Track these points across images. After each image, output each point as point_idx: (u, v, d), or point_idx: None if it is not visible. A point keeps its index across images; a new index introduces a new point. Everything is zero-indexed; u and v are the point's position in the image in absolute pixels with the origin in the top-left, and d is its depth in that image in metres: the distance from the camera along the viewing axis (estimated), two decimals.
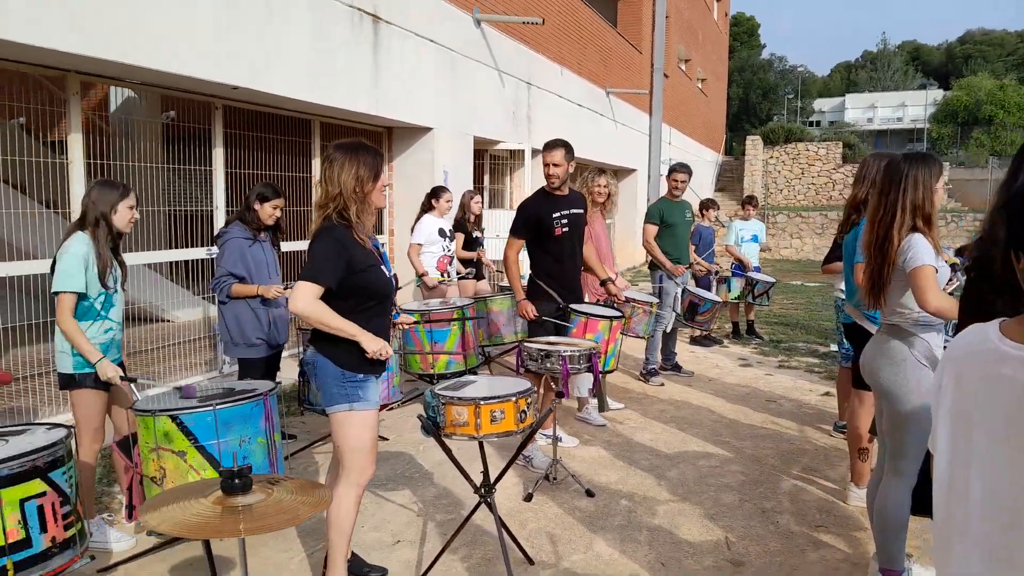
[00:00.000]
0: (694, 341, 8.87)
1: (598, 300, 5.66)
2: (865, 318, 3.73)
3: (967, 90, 46.62)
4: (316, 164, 7.93)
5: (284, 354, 5.21)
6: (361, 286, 2.98)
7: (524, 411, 3.18)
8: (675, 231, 6.94)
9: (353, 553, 3.35)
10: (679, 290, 6.91)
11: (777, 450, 5.14)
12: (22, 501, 2.50)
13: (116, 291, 3.65)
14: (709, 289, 8.31)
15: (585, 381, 5.61)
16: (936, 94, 54.01)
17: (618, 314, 5.00)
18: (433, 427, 3.18)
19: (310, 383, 4.89)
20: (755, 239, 9.32)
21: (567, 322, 4.80)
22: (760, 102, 51.35)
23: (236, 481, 1.67)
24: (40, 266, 5.43)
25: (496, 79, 10.29)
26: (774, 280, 9.10)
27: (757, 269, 9.17)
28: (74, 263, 3.42)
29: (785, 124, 30.33)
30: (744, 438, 5.40)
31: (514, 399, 3.12)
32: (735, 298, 8.79)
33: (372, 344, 2.93)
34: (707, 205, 9.09)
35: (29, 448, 2.55)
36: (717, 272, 8.56)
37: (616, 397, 6.34)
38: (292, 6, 6.35)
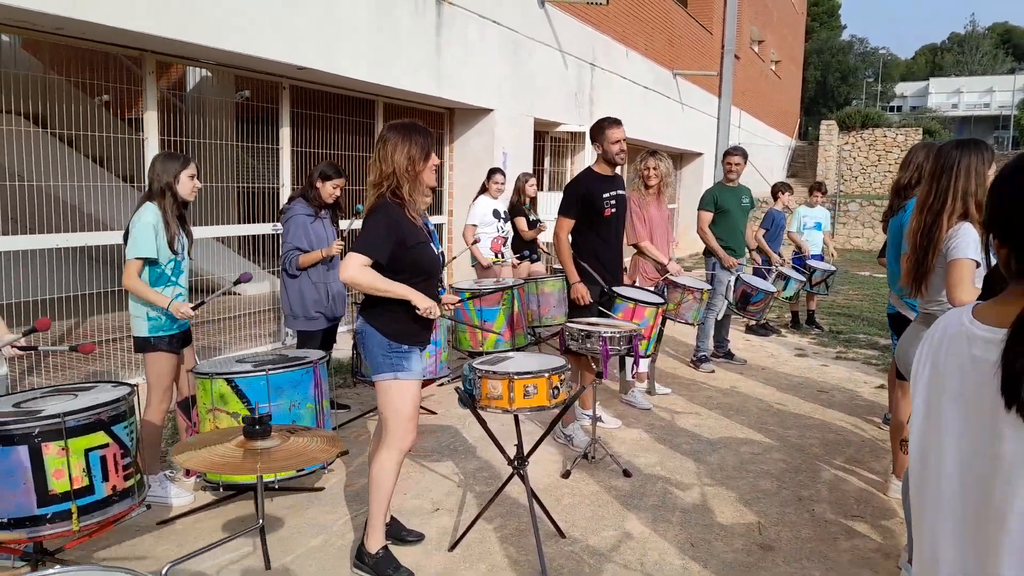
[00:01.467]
0: (750, 330, 8.78)
1: (638, 287, 5.68)
2: (908, 307, 3.68)
3: None
4: None
5: (341, 328, 5.43)
6: (410, 262, 3.12)
7: (557, 387, 3.27)
8: (729, 217, 6.87)
9: (392, 517, 3.52)
10: (732, 278, 6.86)
11: (822, 440, 5.10)
12: (87, 451, 2.73)
13: (184, 258, 3.89)
14: (764, 278, 8.20)
15: (628, 363, 5.67)
16: None
17: (662, 300, 5.03)
18: (469, 399, 3.31)
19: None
20: (818, 227, 9.13)
21: (612, 305, 4.85)
22: (839, 85, 49.51)
23: (256, 427, 1.83)
24: (118, 237, 5.78)
25: (559, 60, 10.30)
26: (834, 268, 8.90)
27: (819, 257, 8.99)
28: (146, 231, 3.67)
29: (862, 109, 29.25)
30: (790, 427, 5.37)
31: (547, 375, 3.22)
32: (787, 298, 8.55)
33: (422, 302, 3.07)
34: (780, 188, 8.89)
35: (95, 402, 2.78)
36: (782, 264, 8.41)
37: (665, 383, 6.37)
38: None
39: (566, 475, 4.36)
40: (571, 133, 11.13)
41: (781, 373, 6.98)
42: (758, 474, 4.48)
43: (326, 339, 5.17)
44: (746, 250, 7.33)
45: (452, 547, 3.49)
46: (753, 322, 8.48)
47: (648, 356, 5.27)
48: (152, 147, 5.65)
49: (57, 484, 2.69)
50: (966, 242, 2.81)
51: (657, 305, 4.88)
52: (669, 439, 5.07)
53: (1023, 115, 45.49)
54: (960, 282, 2.77)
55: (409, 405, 3.16)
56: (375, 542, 3.22)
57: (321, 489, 4.11)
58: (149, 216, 3.72)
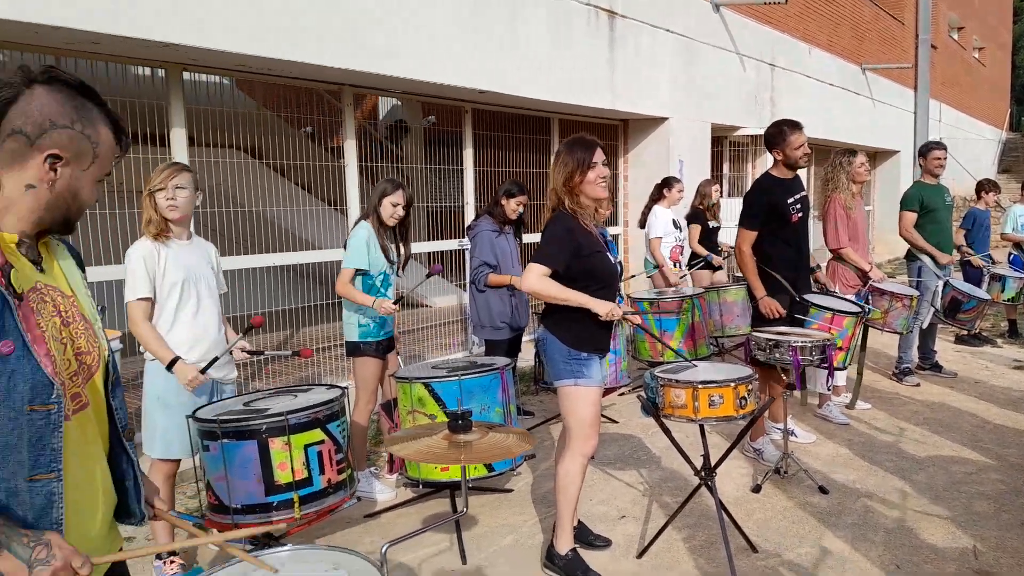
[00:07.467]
0: (960, 340, 8.04)
1: (837, 295, 5.36)
2: None
3: None
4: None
5: (524, 338, 5.61)
6: (587, 270, 3.20)
7: (744, 397, 3.19)
8: (937, 216, 6.35)
9: (580, 522, 3.58)
10: (940, 284, 6.30)
11: None
12: (306, 446, 3.03)
13: (393, 273, 4.22)
14: (979, 283, 7.45)
15: (823, 375, 5.38)
16: None
17: (860, 309, 4.74)
18: (652, 408, 3.31)
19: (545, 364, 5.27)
20: None
21: (804, 315, 4.63)
22: None
23: (459, 422, 1.98)
24: (323, 255, 6.35)
25: (736, 63, 10.03)
26: None
27: None
28: (358, 245, 4.04)
29: None
30: (1009, 445, 4.86)
31: (733, 385, 3.15)
32: (1009, 299, 7.68)
33: (602, 307, 3.11)
34: (985, 187, 8.13)
35: (312, 402, 3.08)
36: (990, 265, 7.64)
37: (863, 396, 5.97)
38: (532, 10, 6.74)
39: (756, 489, 4.22)
40: (751, 137, 10.77)
41: (998, 387, 6.33)
42: (972, 495, 4.10)
43: (511, 348, 5.36)
44: (954, 252, 6.72)
45: (640, 554, 3.50)
46: (964, 332, 7.75)
47: (844, 369, 4.97)
48: (352, 173, 6.14)
49: (281, 475, 3.00)
50: None
51: (856, 314, 4.60)
52: (869, 455, 4.76)
53: None
54: None
55: (590, 411, 3.21)
56: (564, 544, 3.30)
57: (510, 491, 4.27)
58: (362, 232, 4.09)
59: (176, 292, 3.25)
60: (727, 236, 7.85)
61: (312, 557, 1.70)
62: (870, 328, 5.54)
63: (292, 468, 2.99)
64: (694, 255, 7.26)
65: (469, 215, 7.30)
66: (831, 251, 5.57)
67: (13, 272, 1.37)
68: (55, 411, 1.38)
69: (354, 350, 4.15)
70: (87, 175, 1.46)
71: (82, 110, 1.43)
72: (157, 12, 4.23)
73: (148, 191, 3.21)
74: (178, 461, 3.39)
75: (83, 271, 1.61)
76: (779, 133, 4.57)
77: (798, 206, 4.59)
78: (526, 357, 5.92)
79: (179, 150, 4.96)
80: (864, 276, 5.50)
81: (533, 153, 8.14)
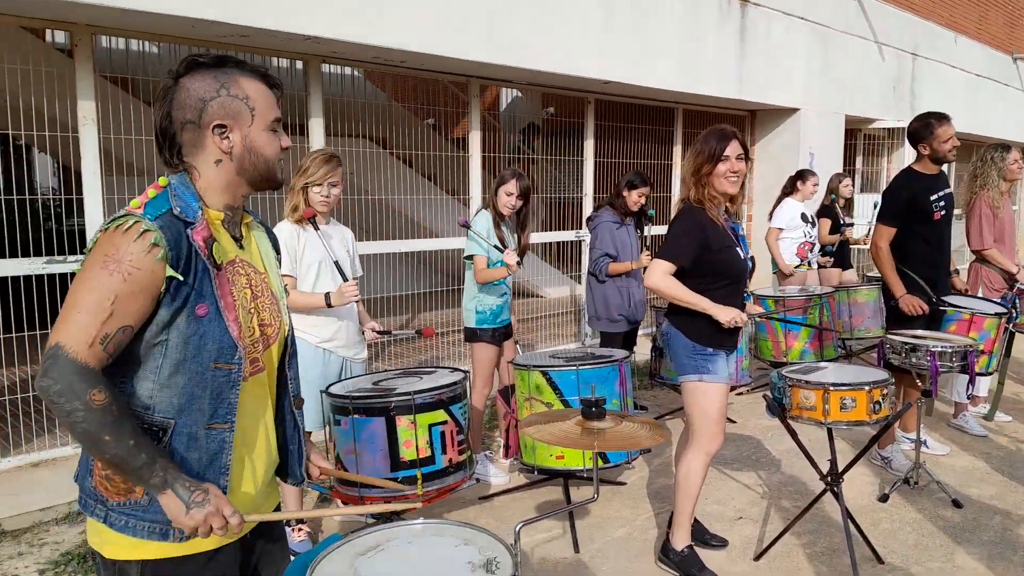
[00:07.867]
0: None
1: (982, 298, 5.03)
2: None
3: None
4: (678, 151, 8.18)
5: (640, 332, 5.57)
6: (715, 266, 3.13)
7: (878, 402, 3.06)
8: None
9: (696, 520, 3.54)
10: None
11: None
12: (430, 426, 3.13)
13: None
14: None
15: (962, 383, 5.07)
16: None
17: (1006, 310, 4.43)
18: (779, 408, 3.22)
19: (662, 358, 5.22)
20: None
21: (939, 316, 4.38)
22: None
23: (593, 409, 2.01)
24: (444, 243, 6.52)
25: (874, 52, 9.52)
26: None
27: None
28: (475, 235, 4.12)
29: None
30: None
31: (867, 388, 3.02)
32: None
33: (724, 314, 3.04)
34: None
35: (437, 384, 3.18)
36: None
37: (1004, 408, 5.58)
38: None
39: (883, 499, 4.04)
40: (888, 129, 10.21)
41: None
42: None
43: (626, 341, 5.33)
44: None
45: (757, 557, 3.42)
46: None
47: (989, 374, 4.66)
48: (475, 164, 6.26)
49: (406, 452, 3.12)
50: None
51: (999, 315, 4.31)
52: (1009, 470, 4.45)
53: None
54: None
55: (714, 407, 3.16)
56: (680, 540, 3.27)
57: (623, 484, 4.26)
58: (481, 221, 4.18)
59: (313, 272, 3.44)
60: (858, 233, 7.50)
61: (445, 531, 1.78)
62: (1016, 335, 5.17)
63: (416, 446, 3.10)
64: (824, 250, 6.98)
65: (587, 207, 7.29)
66: (974, 252, 5.22)
67: (216, 245, 1.54)
68: (235, 371, 1.55)
69: (471, 336, 4.25)
70: (254, 129, 1.59)
71: (222, 76, 1.56)
72: (301, 7, 4.45)
73: (304, 184, 3.38)
74: (308, 433, 3.58)
75: (278, 253, 1.79)
76: (926, 127, 4.32)
77: (942, 203, 4.32)
78: (642, 351, 5.87)
79: (317, 139, 5.20)
80: (1010, 279, 5.14)
81: (656, 144, 8.03)
